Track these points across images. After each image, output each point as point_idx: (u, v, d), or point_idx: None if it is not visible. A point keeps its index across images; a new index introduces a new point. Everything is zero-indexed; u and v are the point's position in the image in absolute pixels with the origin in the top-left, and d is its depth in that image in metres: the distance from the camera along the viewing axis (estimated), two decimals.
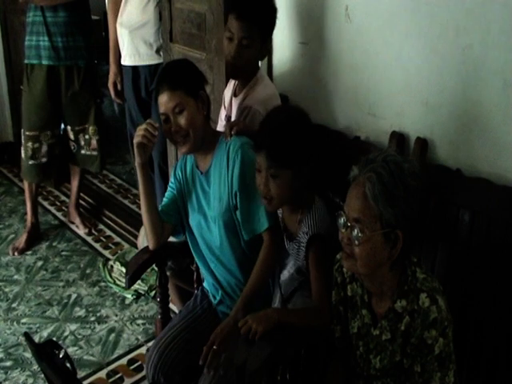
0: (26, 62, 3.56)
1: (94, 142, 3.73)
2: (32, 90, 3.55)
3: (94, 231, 3.99)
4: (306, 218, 1.96)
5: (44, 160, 3.65)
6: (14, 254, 3.69)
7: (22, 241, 3.77)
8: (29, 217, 3.84)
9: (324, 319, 1.84)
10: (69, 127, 3.71)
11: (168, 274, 2.38)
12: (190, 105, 2.01)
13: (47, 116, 3.58)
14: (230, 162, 2.06)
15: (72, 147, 3.77)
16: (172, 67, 2.12)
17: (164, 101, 2.00)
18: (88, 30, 3.59)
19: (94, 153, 3.76)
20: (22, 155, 3.67)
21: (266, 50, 2.38)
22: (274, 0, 2.34)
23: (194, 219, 2.20)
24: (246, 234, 2.09)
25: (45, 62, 3.49)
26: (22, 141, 3.65)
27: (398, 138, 2.21)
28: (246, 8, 2.27)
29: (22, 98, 3.68)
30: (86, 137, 3.72)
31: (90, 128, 3.70)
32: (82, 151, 3.77)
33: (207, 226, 2.16)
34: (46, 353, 1.56)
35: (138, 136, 2.04)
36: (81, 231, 3.96)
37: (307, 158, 1.90)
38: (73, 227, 4.03)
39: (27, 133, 3.60)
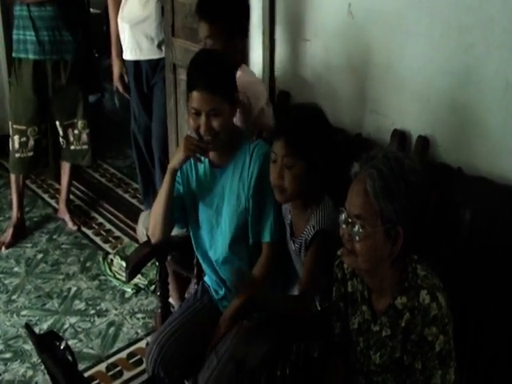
0: (13, 55, 3.57)
1: (84, 136, 3.74)
2: (19, 83, 3.56)
3: (94, 225, 4.00)
4: (313, 215, 1.97)
5: (30, 154, 3.65)
6: (0, 249, 3.68)
7: (8, 235, 3.76)
8: (14, 211, 3.82)
9: (303, 309, 1.91)
10: (57, 122, 3.71)
11: (168, 258, 2.38)
12: (226, 110, 1.98)
13: (34, 110, 3.58)
14: (251, 163, 2.05)
15: (61, 143, 3.77)
16: (211, 64, 2.01)
17: (200, 99, 1.95)
18: (76, 25, 3.57)
19: (85, 147, 3.77)
20: (10, 147, 3.68)
21: (236, 45, 2.32)
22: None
23: (204, 215, 2.18)
24: (251, 237, 2.10)
25: (31, 57, 3.49)
26: (10, 133, 3.65)
27: (400, 135, 2.21)
28: (204, 9, 2.30)
29: (10, 91, 3.70)
30: (76, 132, 3.72)
31: (79, 122, 3.70)
32: (72, 147, 3.77)
33: (217, 223, 2.15)
34: (47, 344, 1.57)
35: (189, 150, 2.00)
36: (70, 228, 3.94)
37: (323, 152, 1.91)
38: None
39: (14, 126, 3.61)
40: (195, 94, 1.96)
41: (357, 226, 1.55)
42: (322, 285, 1.92)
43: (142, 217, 3.48)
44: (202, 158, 2.09)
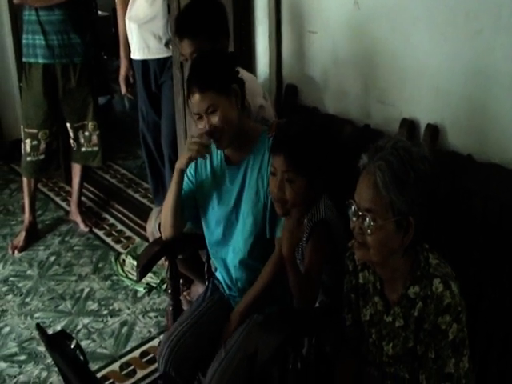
0: (23, 60, 3.60)
1: (94, 138, 3.75)
2: (30, 88, 3.58)
3: (105, 226, 4.00)
4: (310, 213, 1.94)
5: (42, 157, 3.68)
6: (13, 253, 3.67)
7: (20, 239, 3.75)
8: (27, 214, 3.83)
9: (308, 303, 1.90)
10: (68, 124, 3.73)
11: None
12: (223, 103, 1.95)
13: (45, 114, 3.60)
14: (271, 159, 1.99)
15: (72, 145, 3.80)
16: (200, 65, 2.03)
17: (195, 101, 1.95)
18: (84, 28, 3.60)
19: (95, 148, 3.78)
20: (22, 151, 3.70)
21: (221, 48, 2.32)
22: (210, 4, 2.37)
23: (221, 212, 2.13)
24: (269, 233, 2.07)
25: (41, 61, 3.51)
26: (22, 137, 3.68)
27: (409, 124, 2.19)
28: (186, 28, 2.30)
29: (22, 95, 3.74)
30: (86, 133, 3.74)
31: (90, 124, 3.72)
32: (83, 148, 3.79)
33: (236, 220, 2.12)
34: (58, 344, 1.56)
35: (191, 151, 1.99)
36: (81, 229, 3.95)
37: (323, 167, 1.89)
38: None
39: (26, 130, 3.64)
40: (192, 99, 1.97)
41: (367, 219, 1.53)
42: (324, 273, 1.90)
43: (154, 213, 3.49)
44: (218, 152, 2.09)
